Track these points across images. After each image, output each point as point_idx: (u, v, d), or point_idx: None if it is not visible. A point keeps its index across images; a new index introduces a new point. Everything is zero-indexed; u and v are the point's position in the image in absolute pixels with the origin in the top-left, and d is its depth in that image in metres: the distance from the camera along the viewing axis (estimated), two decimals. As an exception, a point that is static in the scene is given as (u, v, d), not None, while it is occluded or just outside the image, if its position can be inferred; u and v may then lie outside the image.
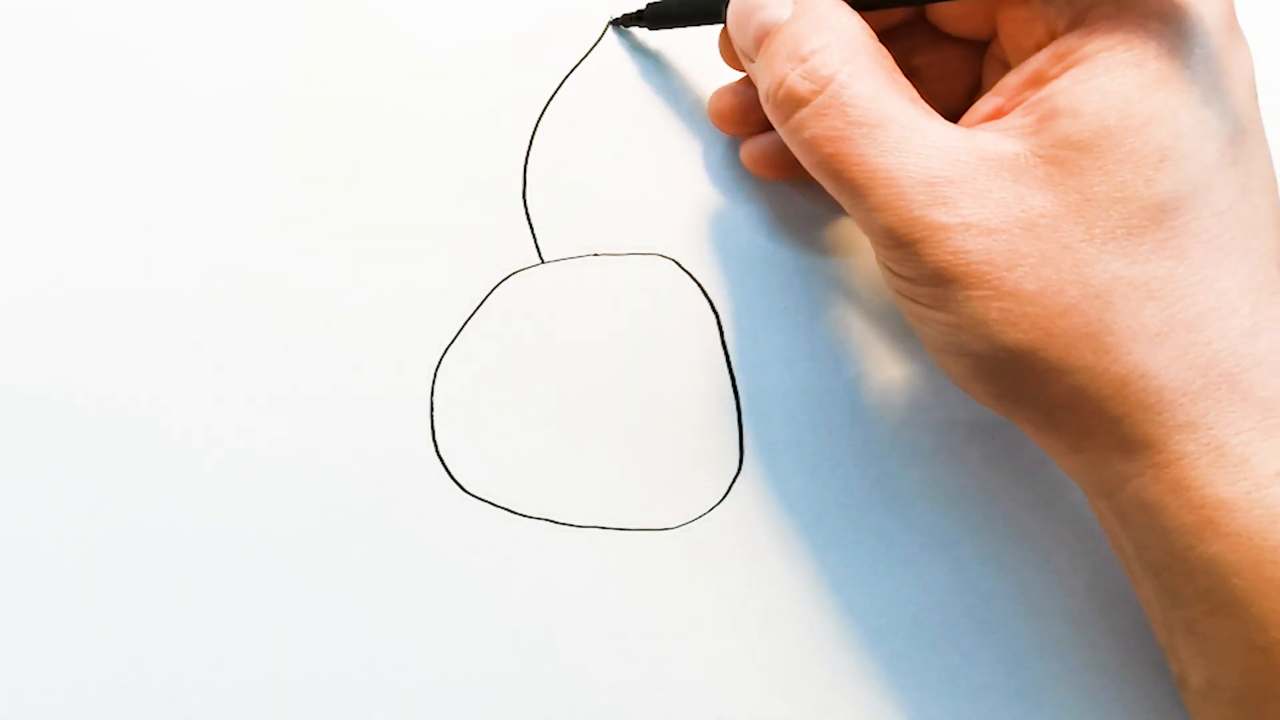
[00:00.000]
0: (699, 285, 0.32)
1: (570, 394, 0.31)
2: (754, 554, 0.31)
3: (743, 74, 0.30)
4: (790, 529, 0.31)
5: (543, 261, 0.32)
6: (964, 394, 0.31)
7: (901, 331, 0.31)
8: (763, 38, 0.25)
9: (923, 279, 0.23)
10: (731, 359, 0.31)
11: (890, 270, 0.24)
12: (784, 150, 0.28)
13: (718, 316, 0.32)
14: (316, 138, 0.32)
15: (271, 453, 0.31)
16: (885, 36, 0.25)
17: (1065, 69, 0.23)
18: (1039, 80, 0.23)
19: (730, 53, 0.29)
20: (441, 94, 0.32)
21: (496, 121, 0.32)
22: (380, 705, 0.30)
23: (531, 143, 0.32)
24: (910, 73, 0.28)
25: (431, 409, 0.31)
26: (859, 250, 0.32)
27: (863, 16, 0.25)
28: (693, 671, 0.30)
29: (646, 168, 0.32)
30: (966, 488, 0.31)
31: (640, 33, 0.32)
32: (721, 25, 0.28)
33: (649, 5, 0.31)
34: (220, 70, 0.32)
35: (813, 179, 0.25)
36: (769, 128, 0.29)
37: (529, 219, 0.32)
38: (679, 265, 0.32)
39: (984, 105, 0.25)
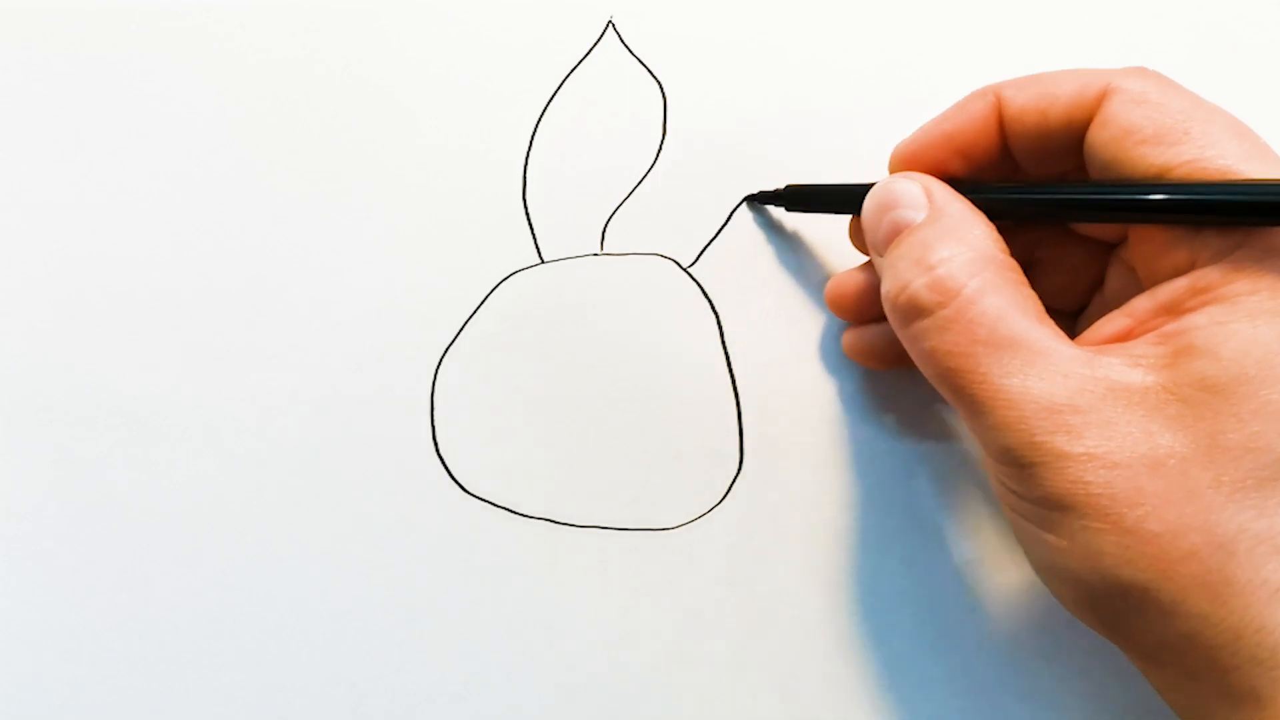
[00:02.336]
0: (699, 285, 0.32)
1: (570, 394, 0.31)
2: (754, 554, 0.31)
3: (866, 259, 0.30)
4: (790, 529, 0.31)
5: (543, 261, 0.32)
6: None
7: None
8: (894, 236, 0.25)
9: (1038, 501, 0.22)
10: (731, 359, 0.31)
11: (1002, 484, 0.24)
12: (889, 344, 0.28)
13: (718, 316, 0.32)
14: (316, 138, 0.32)
15: (272, 452, 0.31)
16: (1014, 227, 0.25)
17: (1204, 304, 0.22)
18: (1174, 310, 0.23)
19: (861, 239, 0.29)
20: (441, 94, 0.32)
21: (496, 121, 0.32)
22: (380, 705, 0.30)
23: (531, 143, 0.32)
24: (1033, 264, 0.28)
25: (432, 409, 0.31)
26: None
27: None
28: (693, 671, 0.30)
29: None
30: (967, 488, 0.31)
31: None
32: (854, 214, 0.28)
33: (787, 187, 0.30)
34: (221, 71, 0.32)
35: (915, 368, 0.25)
36: (881, 318, 0.28)
37: (529, 219, 0.32)
38: (679, 265, 0.32)
39: (1111, 323, 0.24)
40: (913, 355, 0.25)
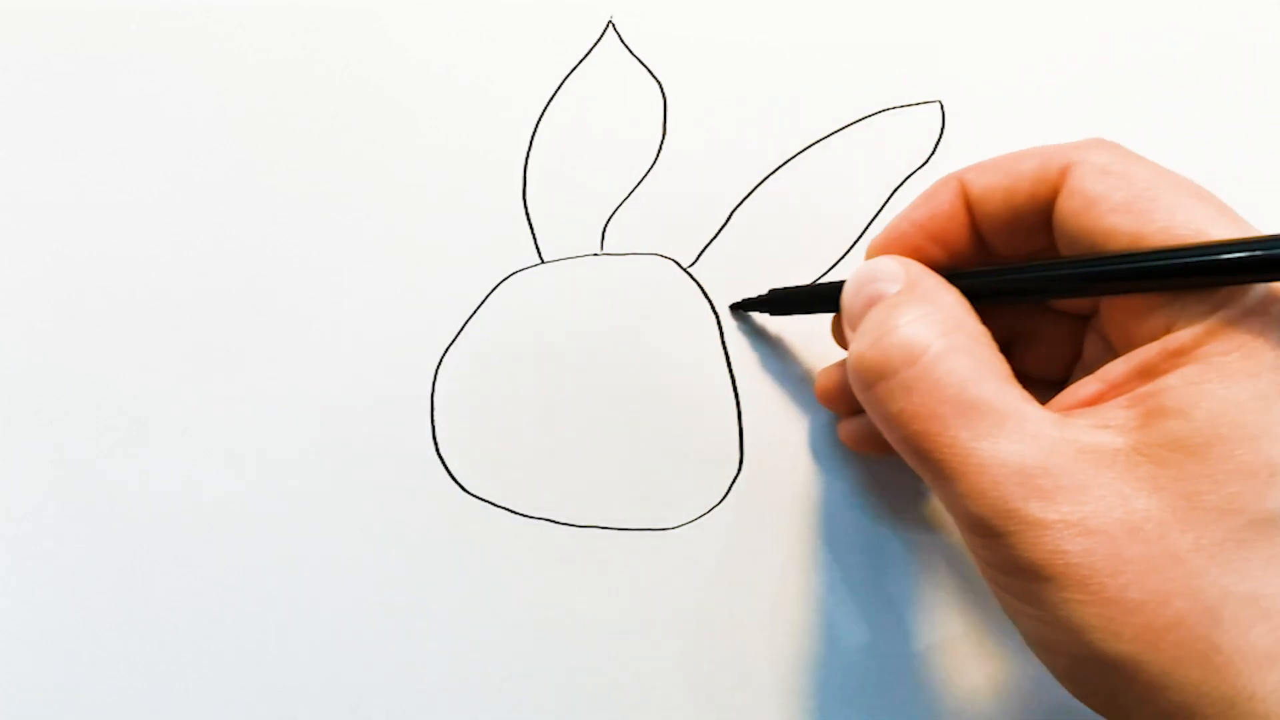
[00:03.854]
0: (699, 285, 0.32)
1: (570, 394, 0.31)
2: (754, 554, 0.31)
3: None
4: (790, 529, 0.31)
5: (543, 261, 0.32)
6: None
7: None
8: (868, 308, 0.25)
9: (1014, 571, 0.22)
10: (731, 359, 0.31)
11: (978, 555, 0.23)
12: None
13: (718, 316, 0.32)
14: (316, 138, 0.32)
15: (272, 452, 0.31)
16: (992, 308, 0.25)
17: (1177, 366, 0.22)
18: (1147, 373, 0.22)
19: (842, 335, 0.29)
20: (441, 94, 0.32)
21: (496, 121, 0.32)
22: (380, 704, 0.30)
23: (531, 143, 0.32)
24: (1013, 340, 0.27)
25: (432, 409, 0.31)
26: (858, 251, 0.32)
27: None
28: (692, 671, 0.30)
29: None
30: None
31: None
32: (835, 312, 0.28)
33: (771, 291, 0.30)
34: (221, 71, 0.32)
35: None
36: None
37: (529, 219, 0.32)
38: (679, 265, 0.32)
39: (1083, 389, 0.24)
40: (877, 420, 0.24)
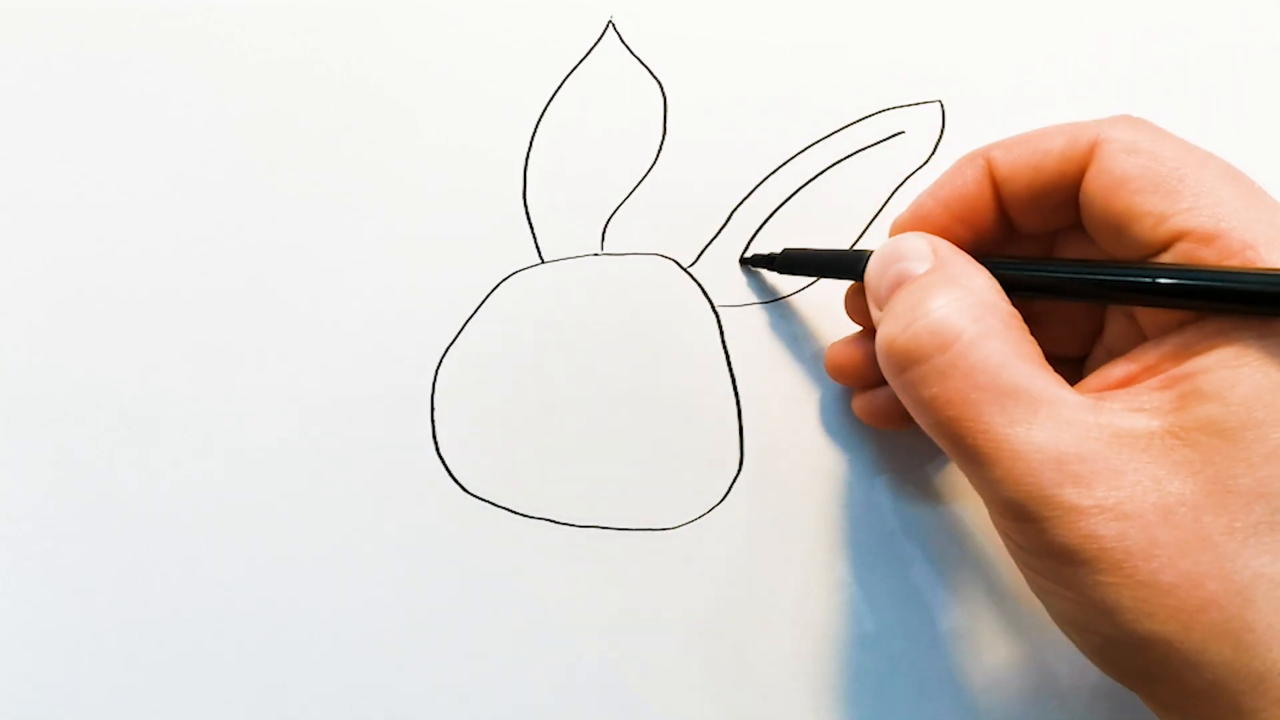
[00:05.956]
0: (699, 285, 0.32)
1: (570, 394, 0.31)
2: (754, 554, 0.31)
3: (859, 329, 0.30)
4: (790, 529, 0.31)
5: (543, 261, 0.32)
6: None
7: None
8: (896, 288, 0.25)
9: (1048, 555, 0.22)
10: (731, 359, 0.31)
11: (1010, 539, 0.23)
12: (898, 406, 0.28)
13: (718, 316, 0.32)
14: (316, 138, 0.32)
15: (272, 452, 0.31)
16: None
17: (1212, 348, 0.22)
18: (1180, 355, 0.22)
19: (855, 307, 0.29)
20: (441, 94, 0.32)
21: (496, 121, 0.32)
22: (380, 704, 0.30)
23: (531, 143, 0.32)
24: (1030, 316, 0.27)
25: (432, 409, 0.31)
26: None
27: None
28: (692, 671, 0.30)
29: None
30: (967, 487, 0.31)
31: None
32: (849, 282, 0.28)
33: (784, 251, 0.30)
34: (221, 71, 0.32)
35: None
36: (882, 383, 0.29)
37: (529, 219, 0.32)
38: (679, 265, 0.32)
39: (1114, 370, 0.24)
40: (909, 405, 0.24)
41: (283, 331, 0.31)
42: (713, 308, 0.32)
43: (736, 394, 0.31)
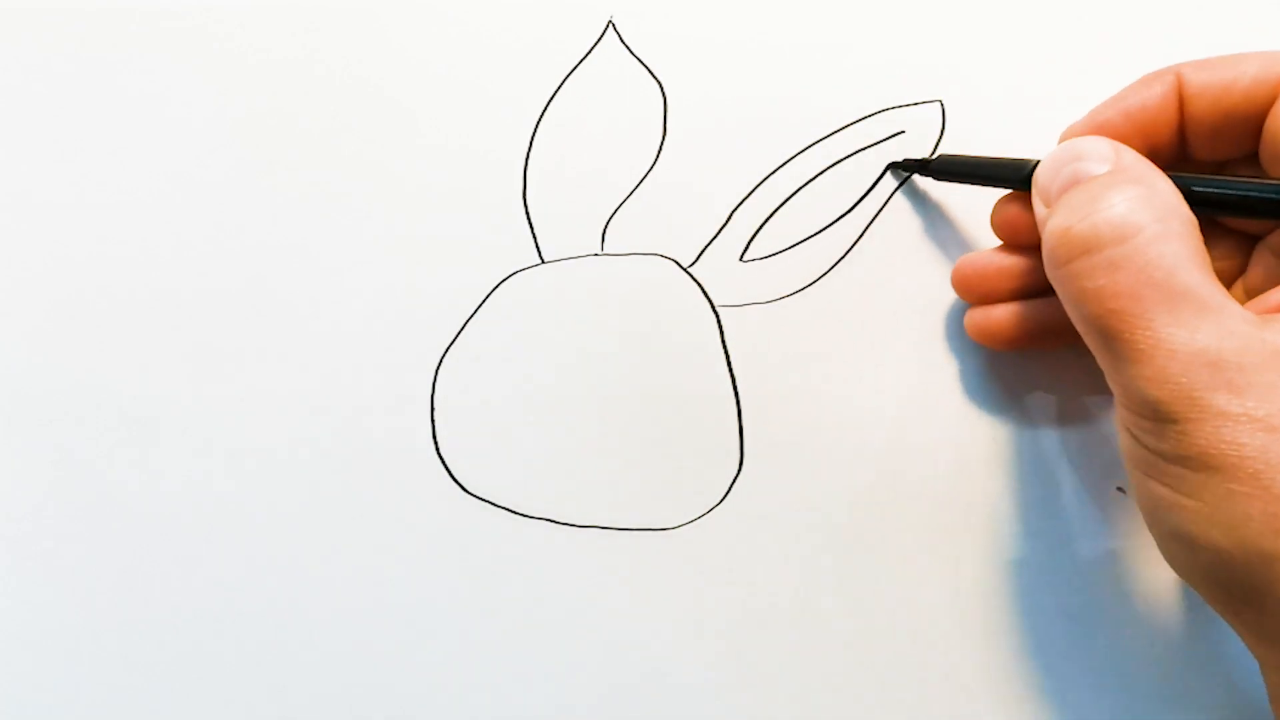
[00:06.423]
0: (699, 285, 0.32)
1: (570, 394, 0.31)
2: (754, 554, 0.31)
3: (996, 246, 0.30)
4: (790, 529, 0.31)
5: (543, 261, 0.32)
6: (963, 394, 0.31)
7: (901, 330, 0.31)
8: (1070, 187, 0.24)
9: (1180, 460, 0.22)
10: (731, 359, 0.31)
11: (1138, 441, 0.23)
12: (1016, 323, 0.28)
13: (718, 316, 0.32)
14: (316, 138, 0.32)
15: (272, 453, 0.31)
16: None
17: None
18: None
19: (1004, 217, 0.29)
20: (441, 94, 0.32)
21: (496, 121, 0.32)
22: (380, 704, 0.30)
23: (531, 143, 0.32)
24: None
25: (432, 409, 0.31)
26: (859, 251, 0.32)
27: None
28: (692, 671, 0.30)
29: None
30: (966, 487, 0.31)
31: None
32: (1004, 191, 0.28)
33: (939, 157, 0.30)
34: (221, 71, 0.32)
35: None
36: (1006, 299, 0.29)
37: (529, 219, 0.32)
38: (679, 265, 0.32)
39: (1274, 296, 0.24)
40: (1067, 295, 0.24)
41: (283, 331, 0.31)
42: (713, 308, 0.32)
43: (736, 394, 0.31)
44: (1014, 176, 0.27)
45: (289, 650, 0.30)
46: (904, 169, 0.31)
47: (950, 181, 0.30)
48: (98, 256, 0.32)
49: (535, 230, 0.32)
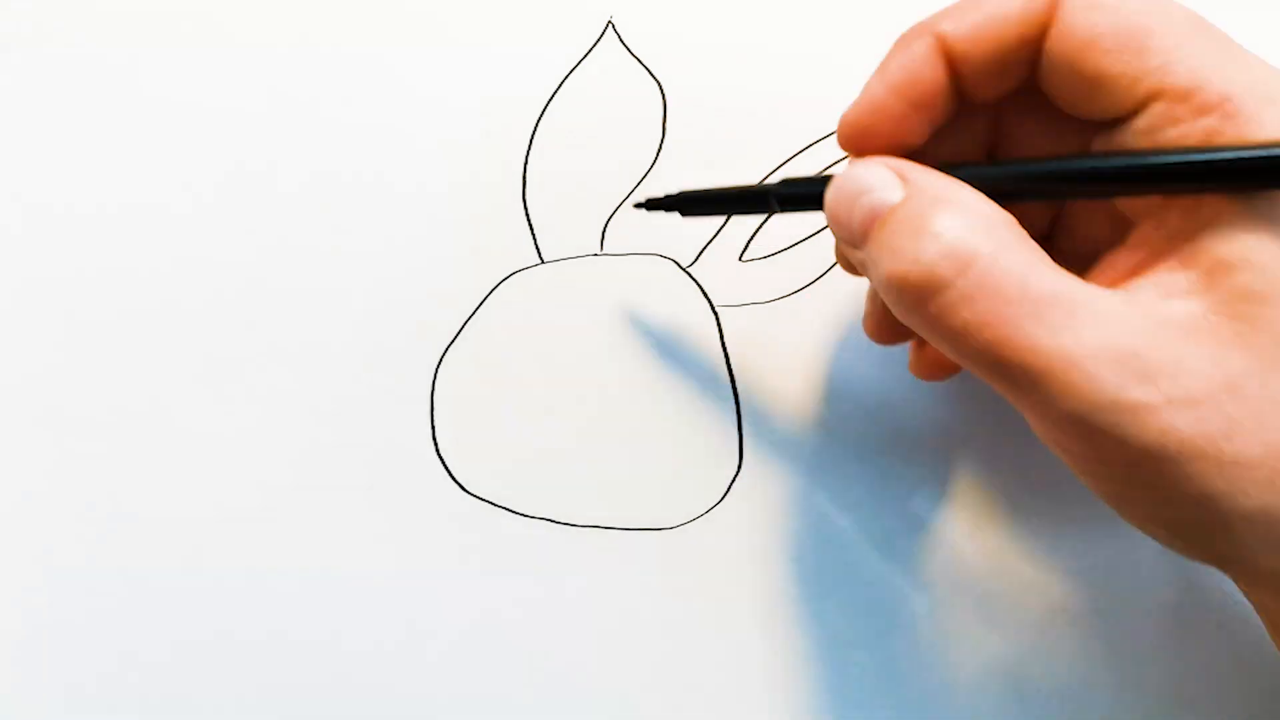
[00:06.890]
0: (699, 285, 0.32)
1: (569, 394, 0.31)
2: (754, 554, 0.31)
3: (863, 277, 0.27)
4: (790, 529, 0.31)
5: (543, 261, 0.32)
6: (962, 394, 0.31)
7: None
8: (871, 223, 0.22)
9: (1127, 462, 0.21)
10: (731, 359, 0.31)
11: (1078, 459, 0.22)
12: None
13: (718, 316, 0.32)
14: (317, 137, 0.32)
15: (272, 452, 0.31)
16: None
17: (1218, 219, 0.21)
18: (1189, 232, 0.21)
19: (843, 255, 0.27)
20: (442, 94, 0.32)
21: (496, 121, 0.32)
22: (380, 704, 0.30)
23: (531, 143, 0.32)
24: None
25: (432, 409, 0.31)
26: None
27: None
28: (693, 671, 0.30)
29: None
30: (966, 487, 0.31)
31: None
32: (774, 214, 0.26)
33: (682, 193, 0.27)
34: (221, 70, 0.32)
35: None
36: (911, 336, 0.27)
37: (529, 219, 0.32)
38: (679, 265, 0.32)
39: (1120, 260, 0.23)
40: (937, 341, 0.22)
41: (283, 331, 0.31)
42: (712, 308, 0.32)
43: (736, 394, 0.31)
44: (762, 204, 0.25)
45: (289, 650, 0.30)
46: (648, 207, 0.28)
47: (700, 215, 0.28)
48: (98, 257, 0.32)
49: (535, 230, 0.32)
